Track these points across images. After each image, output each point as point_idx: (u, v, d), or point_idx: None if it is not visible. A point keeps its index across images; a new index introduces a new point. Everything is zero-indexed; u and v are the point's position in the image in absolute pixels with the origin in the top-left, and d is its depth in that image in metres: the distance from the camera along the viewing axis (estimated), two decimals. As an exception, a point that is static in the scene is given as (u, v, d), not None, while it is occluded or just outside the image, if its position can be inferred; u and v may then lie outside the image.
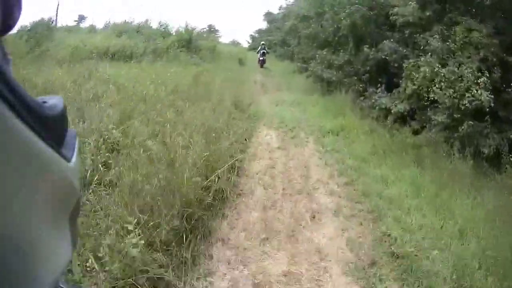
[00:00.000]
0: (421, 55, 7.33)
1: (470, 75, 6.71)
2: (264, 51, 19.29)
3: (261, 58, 19.17)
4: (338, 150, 6.13)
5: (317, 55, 11.46)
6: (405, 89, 7.83)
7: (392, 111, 8.01)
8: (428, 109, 7.29)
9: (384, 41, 8.36)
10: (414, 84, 7.46)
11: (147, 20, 18.17)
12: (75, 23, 26.79)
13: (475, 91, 6.59)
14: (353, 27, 9.32)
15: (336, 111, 8.48)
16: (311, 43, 13.28)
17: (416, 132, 7.62)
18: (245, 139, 5.72)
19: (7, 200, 0.29)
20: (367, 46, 8.86)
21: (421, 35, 7.73)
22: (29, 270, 0.33)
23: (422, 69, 7.09)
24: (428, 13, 8.00)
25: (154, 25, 18.09)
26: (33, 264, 0.33)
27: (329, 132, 7.09)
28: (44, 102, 0.38)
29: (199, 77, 8.73)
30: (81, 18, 30.68)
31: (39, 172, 0.34)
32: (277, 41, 26.72)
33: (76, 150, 0.43)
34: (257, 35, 37.30)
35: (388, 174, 5.21)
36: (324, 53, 11.04)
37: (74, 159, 0.41)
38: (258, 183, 4.37)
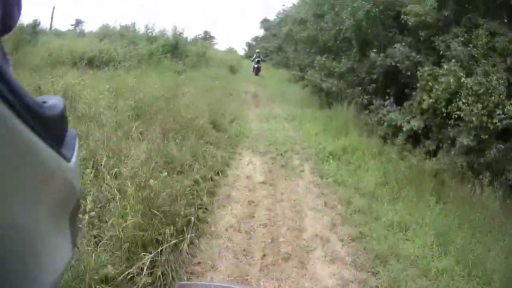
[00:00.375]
0: (443, 62, 6.05)
1: (502, 87, 5.46)
2: (259, 59, 19.24)
3: (255, 66, 19.01)
4: (341, 181, 4.88)
5: (315, 62, 10.15)
6: (419, 103, 6.56)
7: (404, 128, 6.73)
8: (449, 127, 6.01)
9: (395, 45, 7.03)
10: (430, 97, 6.20)
11: (133, 24, 16.90)
12: (71, 27, 25.90)
13: (508, 107, 5.35)
14: (357, 29, 8.01)
15: (337, 128, 7.22)
16: (309, 48, 12.02)
17: (431, 154, 6.34)
18: (217, 173, 4.30)
19: (6, 200, 0.27)
20: (374, 50, 7.54)
21: (440, 38, 6.43)
22: (29, 270, 0.31)
23: (443, 79, 5.80)
24: (446, 13, 6.73)
25: (142, 29, 16.84)
26: (33, 265, 0.32)
27: (329, 156, 5.78)
28: (44, 102, 0.36)
29: (176, 88, 7.34)
30: (78, 22, 29.96)
31: (39, 172, 0.32)
32: (273, 48, 26.06)
33: (76, 150, 0.41)
34: (253, 42, 36.93)
35: (406, 217, 4.04)
36: (324, 59, 9.72)
37: (74, 159, 0.40)
38: (226, 247, 2.92)
